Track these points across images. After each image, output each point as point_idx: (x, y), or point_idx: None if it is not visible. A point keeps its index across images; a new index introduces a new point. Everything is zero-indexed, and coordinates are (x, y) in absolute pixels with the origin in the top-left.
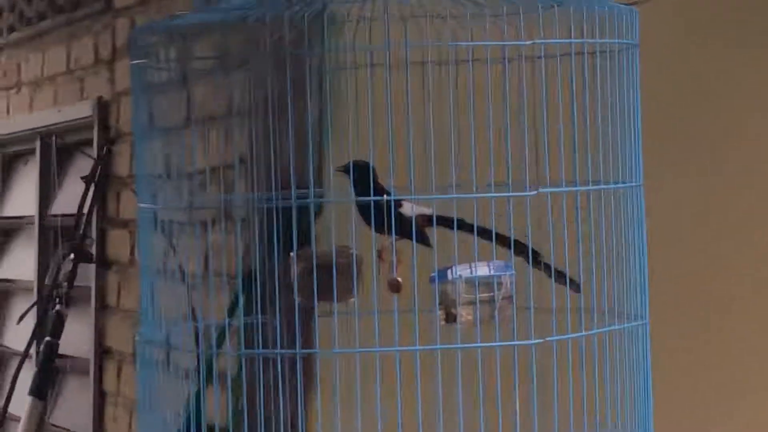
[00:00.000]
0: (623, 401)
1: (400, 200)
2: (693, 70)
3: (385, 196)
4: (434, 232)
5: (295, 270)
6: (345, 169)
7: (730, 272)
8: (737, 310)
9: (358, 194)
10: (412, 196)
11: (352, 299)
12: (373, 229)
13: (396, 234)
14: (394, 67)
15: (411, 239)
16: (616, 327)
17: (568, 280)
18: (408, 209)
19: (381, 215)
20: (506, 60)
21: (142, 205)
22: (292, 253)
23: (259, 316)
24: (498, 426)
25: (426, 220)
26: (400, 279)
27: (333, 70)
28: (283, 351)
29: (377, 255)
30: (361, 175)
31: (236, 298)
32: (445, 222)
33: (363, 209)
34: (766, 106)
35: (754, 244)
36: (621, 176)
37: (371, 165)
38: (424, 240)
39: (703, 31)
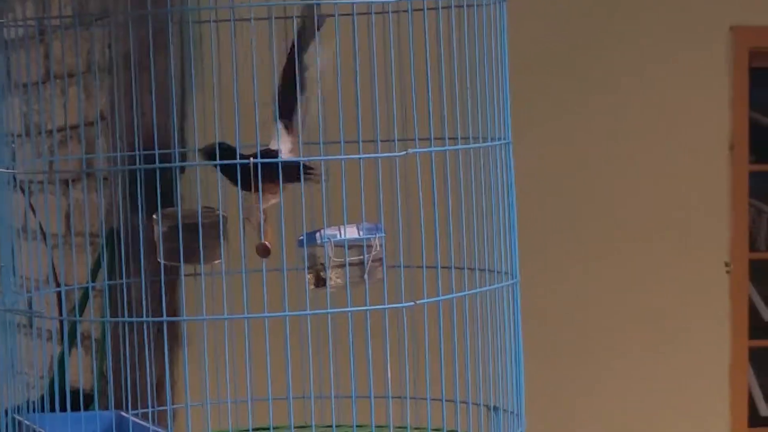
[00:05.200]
0: (495, 361)
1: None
2: (562, 25)
3: (251, 159)
4: (302, 189)
5: (159, 230)
6: (207, 153)
7: (601, 227)
8: (608, 264)
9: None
10: (279, 159)
11: (218, 261)
12: (239, 189)
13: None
14: (260, 22)
15: (292, 178)
16: (487, 288)
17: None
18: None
19: (247, 174)
20: (372, 14)
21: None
22: (154, 215)
23: (124, 278)
24: (369, 389)
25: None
26: (268, 243)
27: (194, 23)
28: (149, 319)
29: (243, 215)
30: (227, 156)
31: (99, 258)
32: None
33: (228, 172)
34: (636, 60)
35: (623, 198)
36: (489, 133)
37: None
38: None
39: None
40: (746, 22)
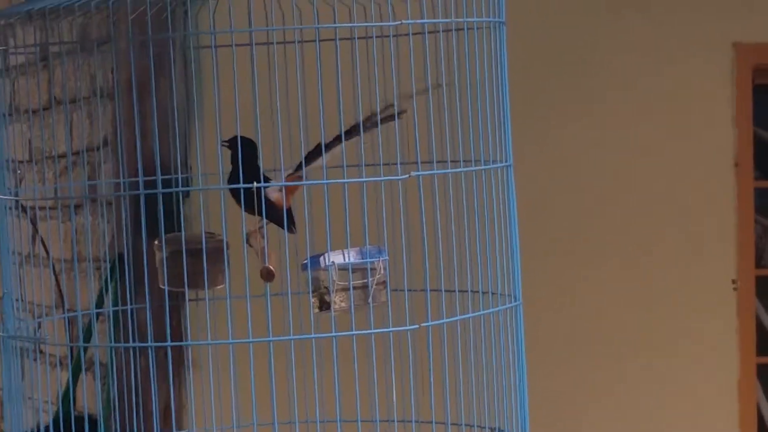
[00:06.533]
0: (499, 382)
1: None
2: (562, 42)
3: (254, 183)
4: (306, 214)
5: (162, 255)
6: (230, 144)
7: (606, 245)
8: (614, 282)
9: (234, 170)
10: (282, 183)
11: (221, 286)
12: (243, 211)
13: (264, 217)
14: (261, 48)
15: (277, 223)
16: (491, 310)
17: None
18: (270, 193)
19: (251, 196)
20: (374, 39)
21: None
22: (156, 241)
23: (129, 304)
24: (375, 413)
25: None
26: (272, 267)
27: (196, 49)
28: (154, 344)
29: (246, 240)
30: (244, 151)
31: (105, 284)
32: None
33: (234, 191)
34: (639, 77)
35: (628, 216)
36: (491, 156)
37: (255, 143)
38: (290, 223)
39: (568, 6)
40: (749, 40)
